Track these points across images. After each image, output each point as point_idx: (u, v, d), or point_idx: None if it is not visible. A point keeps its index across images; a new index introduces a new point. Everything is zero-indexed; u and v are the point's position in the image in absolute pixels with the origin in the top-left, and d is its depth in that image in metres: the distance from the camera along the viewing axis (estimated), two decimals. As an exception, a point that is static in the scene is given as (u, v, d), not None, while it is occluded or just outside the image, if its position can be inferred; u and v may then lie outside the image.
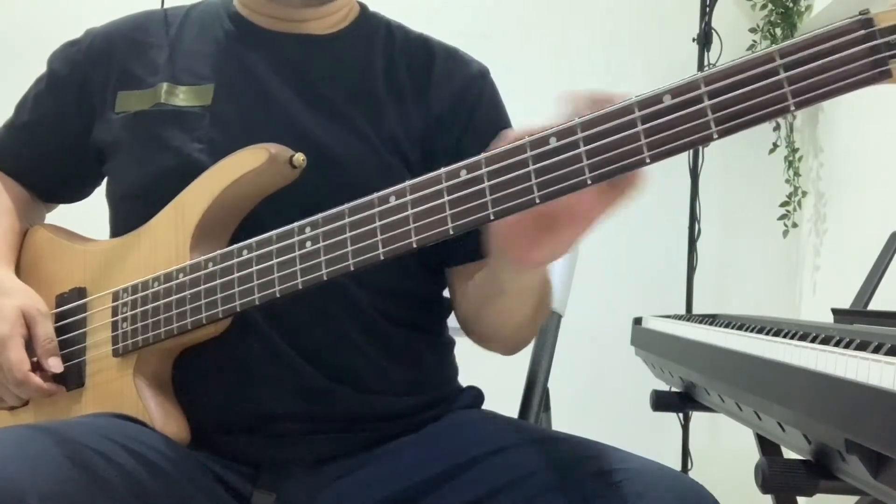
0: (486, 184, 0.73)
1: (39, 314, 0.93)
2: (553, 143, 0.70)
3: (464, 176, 0.74)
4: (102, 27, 1.05)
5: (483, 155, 0.73)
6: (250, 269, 0.84)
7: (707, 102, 0.65)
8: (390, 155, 0.95)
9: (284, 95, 0.96)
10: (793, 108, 0.64)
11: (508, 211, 0.72)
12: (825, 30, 0.63)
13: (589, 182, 0.69)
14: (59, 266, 1.01)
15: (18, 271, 1.03)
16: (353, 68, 1.00)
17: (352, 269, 0.79)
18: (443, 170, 0.75)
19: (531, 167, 0.70)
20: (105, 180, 1.04)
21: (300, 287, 0.81)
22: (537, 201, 0.70)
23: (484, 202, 0.73)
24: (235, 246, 0.85)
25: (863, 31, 0.62)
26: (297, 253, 0.81)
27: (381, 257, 0.77)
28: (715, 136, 0.65)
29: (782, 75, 0.63)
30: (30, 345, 0.93)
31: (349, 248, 0.79)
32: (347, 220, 0.79)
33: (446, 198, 0.74)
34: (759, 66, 0.64)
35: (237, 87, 0.97)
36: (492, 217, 0.73)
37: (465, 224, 0.74)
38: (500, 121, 1.04)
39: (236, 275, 0.84)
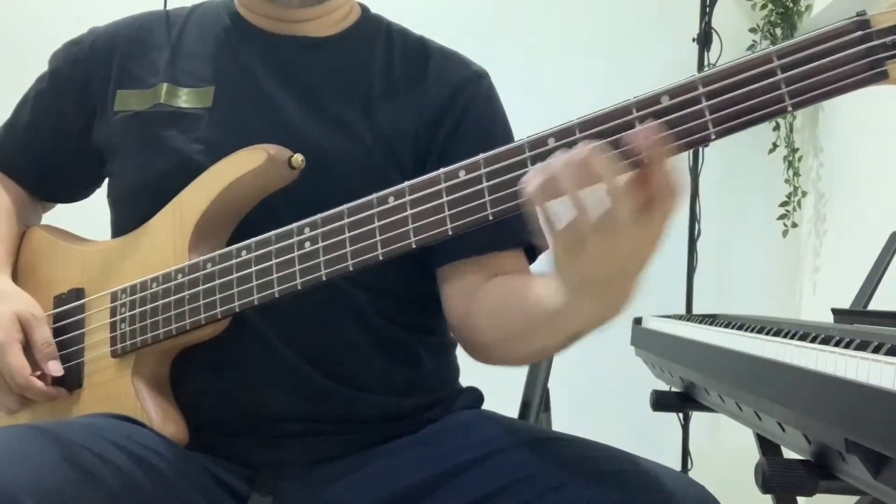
0: (485, 184, 0.73)
1: (35, 319, 0.93)
2: (552, 143, 0.70)
3: (462, 176, 0.74)
4: (105, 26, 1.05)
5: (482, 155, 0.73)
6: (249, 270, 0.84)
7: (705, 103, 0.65)
8: (383, 158, 0.95)
9: (282, 97, 0.96)
10: (790, 108, 0.64)
11: (507, 212, 0.72)
12: (822, 31, 0.63)
13: None
14: (57, 267, 1.00)
15: (16, 274, 1.02)
16: (351, 71, 0.99)
17: (351, 269, 0.79)
18: (441, 170, 0.75)
19: (530, 168, 0.70)
20: (106, 181, 1.04)
21: (299, 287, 0.81)
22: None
23: (483, 203, 0.73)
24: (234, 246, 0.85)
25: (860, 33, 0.62)
26: (296, 253, 0.81)
27: (381, 258, 0.77)
28: (713, 136, 0.65)
29: (780, 76, 0.64)
30: (28, 349, 0.93)
31: (348, 249, 0.79)
32: (346, 220, 0.79)
33: (445, 198, 0.74)
34: (757, 66, 0.64)
35: (236, 88, 0.97)
36: (490, 218, 0.73)
37: (464, 224, 0.74)
38: (493, 122, 1.02)
39: (235, 275, 0.84)
